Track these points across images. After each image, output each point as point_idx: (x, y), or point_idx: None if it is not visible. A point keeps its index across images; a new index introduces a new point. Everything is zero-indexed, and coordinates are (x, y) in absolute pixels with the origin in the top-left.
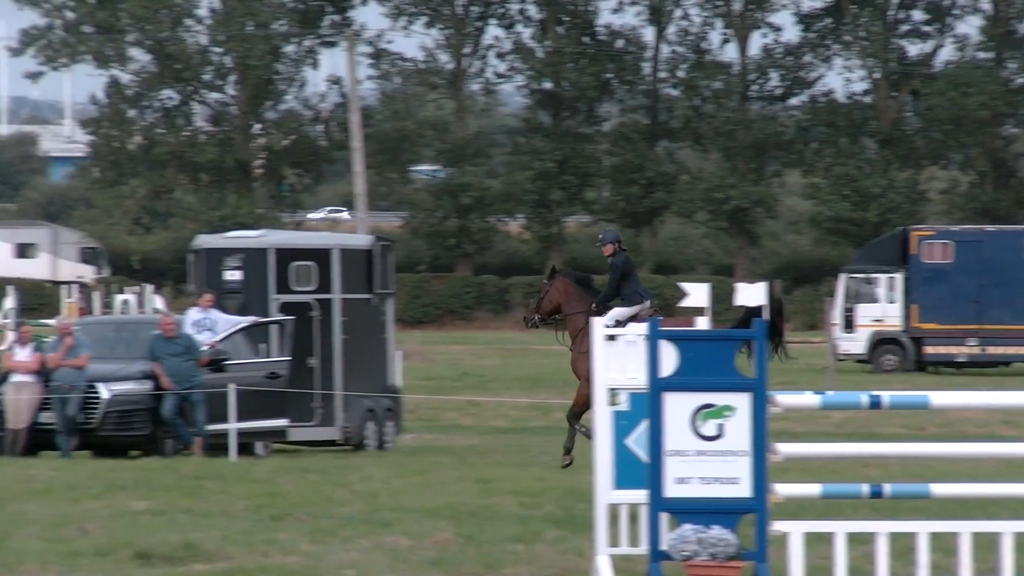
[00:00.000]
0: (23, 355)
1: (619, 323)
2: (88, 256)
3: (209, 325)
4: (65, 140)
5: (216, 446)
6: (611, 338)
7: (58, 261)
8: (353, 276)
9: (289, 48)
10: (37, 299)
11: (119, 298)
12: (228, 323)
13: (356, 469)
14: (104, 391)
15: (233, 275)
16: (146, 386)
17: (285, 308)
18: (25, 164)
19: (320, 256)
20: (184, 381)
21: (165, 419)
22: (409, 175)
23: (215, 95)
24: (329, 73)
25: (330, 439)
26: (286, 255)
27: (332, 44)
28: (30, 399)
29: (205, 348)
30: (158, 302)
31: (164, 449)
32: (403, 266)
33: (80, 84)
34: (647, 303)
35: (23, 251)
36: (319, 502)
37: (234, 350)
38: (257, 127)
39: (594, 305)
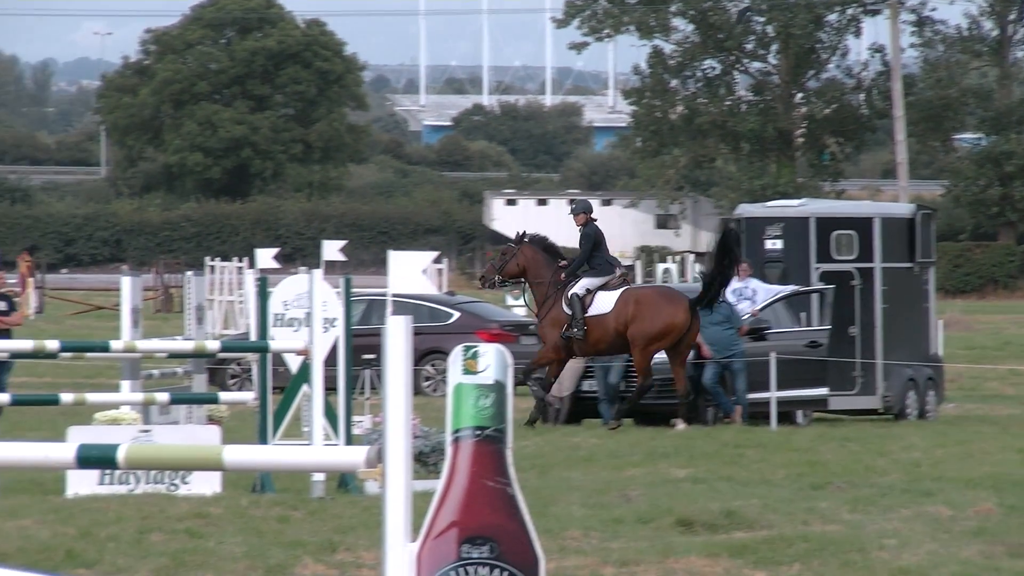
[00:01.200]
0: None
1: (589, 291)
2: None
3: (749, 295)
4: (608, 110)
5: (756, 415)
6: None
7: (698, 232)
8: (894, 245)
9: (832, 17)
10: None
11: (660, 267)
12: (768, 292)
13: (897, 438)
14: None
15: (774, 244)
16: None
17: (826, 277)
18: (569, 134)
19: (861, 225)
20: (724, 350)
21: (706, 387)
22: (951, 143)
23: (757, 64)
24: (872, 41)
25: (870, 408)
26: (827, 224)
27: (875, 12)
28: (574, 367)
29: (746, 317)
30: (698, 271)
31: (705, 417)
32: (945, 235)
33: (623, 55)
34: (616, 272)
35: (664, 222)
36: (859, 471)
37: (775, 319)
38: (799, 96)
39: (562, 275)
